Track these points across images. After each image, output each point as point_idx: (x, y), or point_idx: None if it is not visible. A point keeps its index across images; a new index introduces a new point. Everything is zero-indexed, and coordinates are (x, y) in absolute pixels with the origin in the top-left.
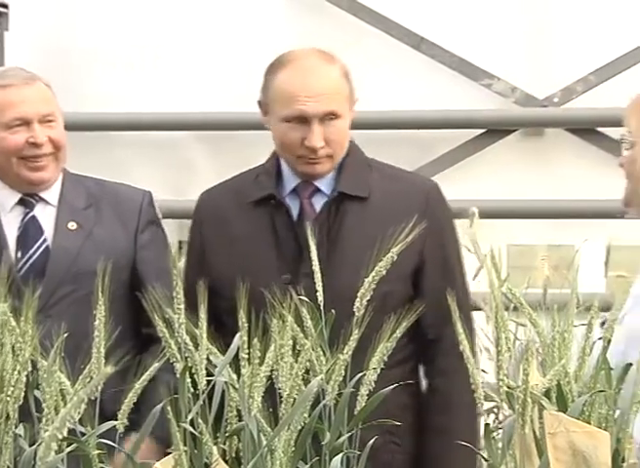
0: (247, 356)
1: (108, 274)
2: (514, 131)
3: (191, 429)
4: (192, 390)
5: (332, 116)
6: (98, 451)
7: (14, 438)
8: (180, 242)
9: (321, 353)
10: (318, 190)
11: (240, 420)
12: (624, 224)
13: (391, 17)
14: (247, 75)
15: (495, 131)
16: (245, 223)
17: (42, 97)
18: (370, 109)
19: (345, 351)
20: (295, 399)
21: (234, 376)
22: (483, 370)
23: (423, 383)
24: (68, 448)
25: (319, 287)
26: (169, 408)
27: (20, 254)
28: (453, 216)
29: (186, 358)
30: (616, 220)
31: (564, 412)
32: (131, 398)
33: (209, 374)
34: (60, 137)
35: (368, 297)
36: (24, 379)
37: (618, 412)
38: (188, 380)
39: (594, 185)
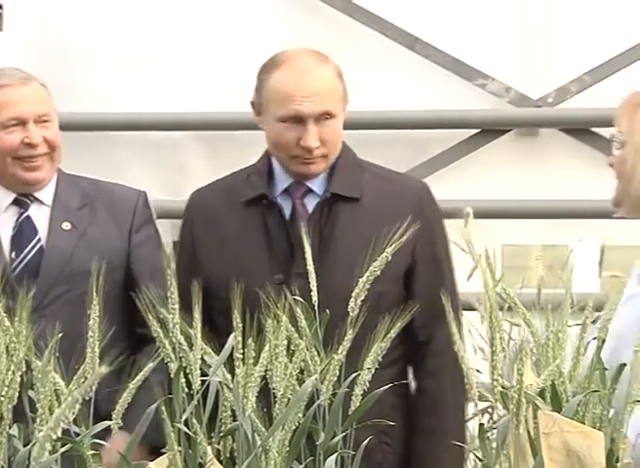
0: (241, 356)
1: (102, 274)
2: (508, 131)
3: (185, 429)
4: (186, 390)
5: (327, 116)
6: (92, 452)
7: (8, 438)
8: (175, 242)
9: (315, 353)
10: (310, 191)
11: (234, 420)
12: (619, 224)
13: (385, 17)
14: (244, 75)
15: (489, 131)
16: (236, 223)
17: (38, 98)
18: (364, 109)
19: (340, 351)
20: (289, 399)
21: (228, 376)
22: (477, 371)
23: (412, 384)
24: (62, 449)
25: (314, 287)
26: (163, 408)
27: (14, 255)
28: (442, 217)
29: (181, 358)
30: (610, 221)
31: (558, 412)
32: (125, 398)
33: (203, 374)
34: (55, 138)
35: (362, 297)
36: (19, 379)
37: (612, 412)
38: (183, 380)
39: (588, 185)
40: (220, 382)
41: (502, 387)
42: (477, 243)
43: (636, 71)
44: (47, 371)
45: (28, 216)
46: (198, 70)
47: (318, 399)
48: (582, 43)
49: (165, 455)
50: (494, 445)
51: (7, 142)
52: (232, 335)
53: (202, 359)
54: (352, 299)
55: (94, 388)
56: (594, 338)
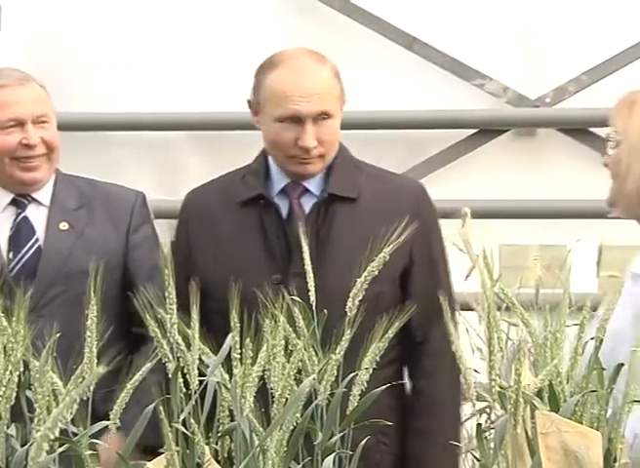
0: (239, 356)
1: (100, 274)
2: (506, 131)
3: (183, 429)
4: (184, 390)
5: (324, 116)
6: (90, 452)
7: (5, 438)
8: (172, 242)
9: (313, 353)
10: (307, 191)
11: (232, 420)
12: (616, 224)
13: (384, 17)
14: (241, 75)
15: (487, 131)
16: (233, 223)
17: (36, 98)
18: (362, 109)
19: (338, 351)
20: (287, 399)
21: (226, 376)
22: (475, 371)
23: (407, 385)
24: (60, 449)
25: (312, 287)
26: (161, 407)
27: (11, 255)
28: (438, 217)
29: (178, 358)
30: (608, 220)
31: (556, 412)
32: (123, 398)
33: (201, 374)
34: (53, 138)
35: (360, 297)
36: (16, 379)
37: (609, 412)
38: (180, 380)
39: (586, 185)
40: (217, 382)
41: (500, 387)
42: (475, 243)
43: (634, 71)
44: (45, 371)
45: (26, 217)
46: (195, 70)
47: (316, 399)
48: (580, 43)
49: (163, 455)
50: (491, 445)
51: (5, 143)
52: (230, 335)
53: (200, 359)
54: (350, 299)
55: (91, 388)
56: (592, 338)
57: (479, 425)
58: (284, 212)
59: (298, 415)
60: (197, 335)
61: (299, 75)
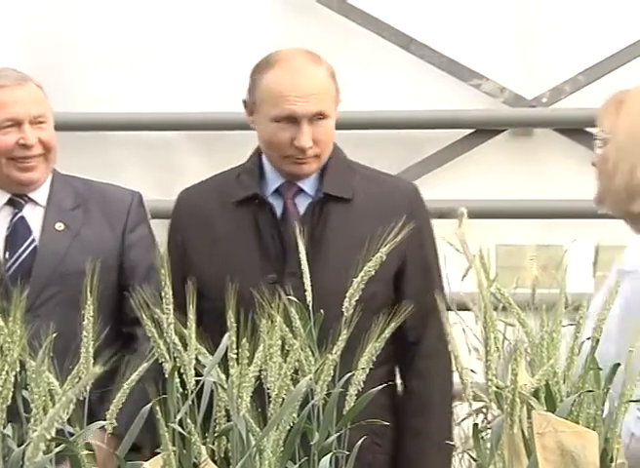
0: (235, 356)
1: (96, 274)
2: (503, 131)
3: (180, 429)
4: (181, 390)
5: (320, 116)
6: (86, 452)
7: (2, 438)
8: (167, 242)
9: (310, 353)
10: (301, 191)
11: (229, 420)
12: (613, 224)
13: (381, 17)
14: (240, 76)
15: (483, 131)
16: (227, 223)
17: (33, 99)
18: (359, 109)
19: (334, 351)
20: (283, 399)
21: (223, 376)
22: (472, 370)
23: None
24: (57, 449)
25: (308, 286)
26: (157, 408)
27: (8, 255)
28: (431, 218)
29: (175, 358)
30: (604, 221)
31: (552, 412)
32: (119, 398)
33: (197, 375)
34: (50, 139)
35: (357, 297)
36: (13, 379)
37: (606, 412)
38: (177, 380)
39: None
40: (214, 382)
41: (497, 387)
42: (471, 243)
43: (630, 71)
44: (41, 371)
45: (22, 217)
46: (194, 70)
47: (312, 399)
48: (576, 43)
49: (159, 455)
50: (488, 445)
51: (2, 143)
52: (226, 335)
53: (196, 359)
54: (347, 299)
55: (88, 388)
56: (588, 338)
57: (476, 425)
58: (278, 211)
59: (294, 415)
60: (194, 335)
61: (295, 75)
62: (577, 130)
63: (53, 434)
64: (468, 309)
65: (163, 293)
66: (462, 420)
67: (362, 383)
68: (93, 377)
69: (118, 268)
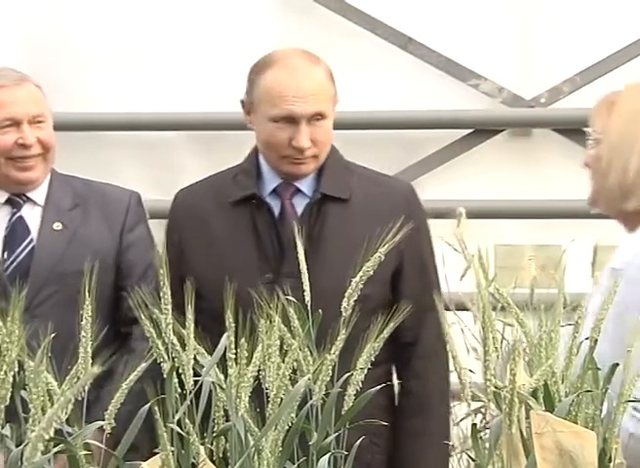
0: (234, 356)
1: (95, 274)
2: (501, 131)
3: (178, 429)
4: (179, 390)
5: (319, 116)
6: (85, 452)
7: (0, 438)
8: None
9: (308, 353)
10: (299, 191)
11: (227, 420)
12: (612, 224)
13: (379, 17)
14: (239, 76)
15: (482, 131)
16: (224, 223)
17: (32, 98)
18: (357, 109)
19: (333, 351)
20: (282, 399)
21: (221, 376)
22: (470, 370)
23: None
24: (55, 449)
25: (306, 286)
26: (156, 408)
27: (6, 255)
28: (428, 219)
29: (173, 358)
30: (603, 221)
31: (551, 412)
32: (118, 398)
33: (196, 375)
34: (48, 139)
35: (355, 297)
36: (11, 380)
37: (604, 412)
38: (175, 380)
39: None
40: (212, 382)
41: (495, 387)
42: (470, 243)
43: (628, 71)
44: (39, 372)
45: (21, 216)
46: (192, 70)
47: (311, 399)
48: (575, 44)
49: (157, 455)
50: (486, 445)
51: (1, 143)
52: (225, 335)
53: (195, 359)
54: (345, 299)
55: (86, 388)
56: (587, 338)
57: (474, 425)
58: (276, 211)
59: (293, 415)
60: (192, 335)
61: (294, 75)
62: (575, 130)
63: (51, 434)
64: (467, 309)
65: (161, 294)
66: (461, 420)
67: (360, 383)
68: (91, 377)
69: (116, 268)
